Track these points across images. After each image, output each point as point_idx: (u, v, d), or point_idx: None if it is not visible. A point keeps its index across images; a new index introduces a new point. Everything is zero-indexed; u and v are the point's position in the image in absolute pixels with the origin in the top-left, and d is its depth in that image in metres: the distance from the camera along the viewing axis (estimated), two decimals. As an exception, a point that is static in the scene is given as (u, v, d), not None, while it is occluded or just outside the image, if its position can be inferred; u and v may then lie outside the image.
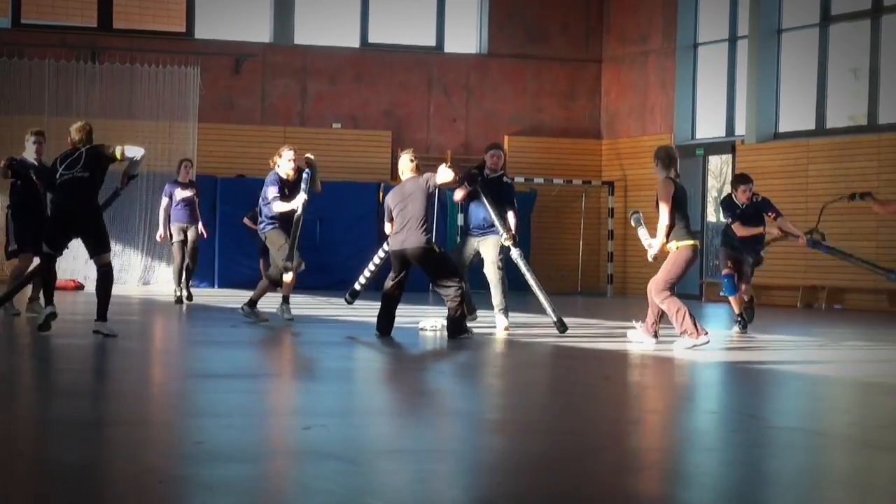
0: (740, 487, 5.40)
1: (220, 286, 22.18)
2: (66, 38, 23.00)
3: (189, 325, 14.66)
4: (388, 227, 12.45)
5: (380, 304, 12.28)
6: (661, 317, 11.81)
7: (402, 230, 12.06)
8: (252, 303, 13.52)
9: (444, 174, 12.09)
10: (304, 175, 13.75)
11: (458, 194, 13.48)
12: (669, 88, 23.84)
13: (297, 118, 23.97)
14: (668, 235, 11.65)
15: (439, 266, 12.09)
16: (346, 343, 12.00)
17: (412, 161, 12.44)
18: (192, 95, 22.93)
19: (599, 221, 24.90)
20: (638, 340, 11.93)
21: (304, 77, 24.03)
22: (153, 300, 17.99)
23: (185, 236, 17.61)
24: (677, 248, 11.61)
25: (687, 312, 11.47)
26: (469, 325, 12.60)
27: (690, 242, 11.67)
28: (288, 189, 13.71)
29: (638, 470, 5.71)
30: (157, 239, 18.62)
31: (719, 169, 28.33)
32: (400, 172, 12.59)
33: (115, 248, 22.36)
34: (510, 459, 5.91)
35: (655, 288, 11.62)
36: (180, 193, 17.61)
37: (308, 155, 14.06)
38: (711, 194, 24.72)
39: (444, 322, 12.89)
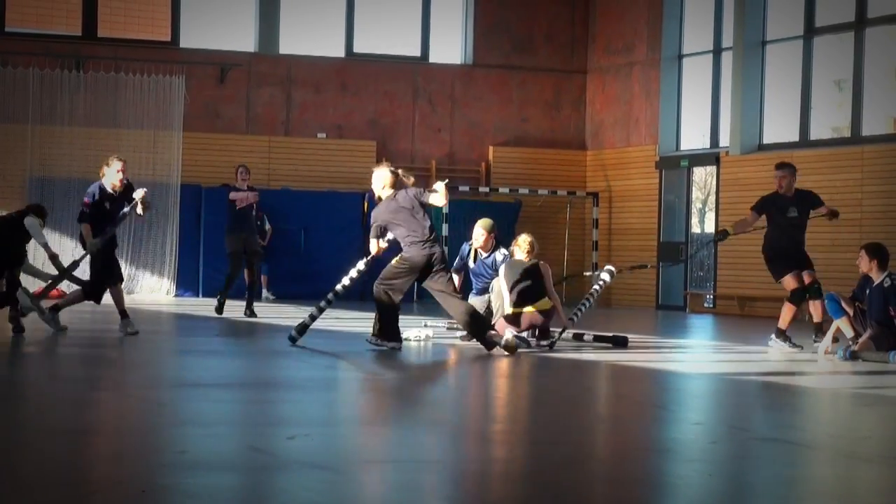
0: (723, 498, 5.40)
1: (205, 295, 22.14)
2: (51, 46, 22.97)
3: (172, 334, 14.64)
4: (375, 245, 12.21)
5: (386, 314, 11.83)
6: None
7: (428, 240, 11.80)
8: (57, 308, 13.11)
9: (437, 199, 11.92)
10: (125, 211, 13.09)
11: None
12: (654, 99, 23.89)
13: (281, 127, 23.96)
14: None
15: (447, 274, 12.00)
16: (329, 352, 11.99)
17: (393, 173, 12.14)
18: (177, 104, 22.91)
19: (584, 232, 24.93)
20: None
21: (289, 86, 24.03)
22: (137, 310, 17.93)
23: (243, 249, 16.50)
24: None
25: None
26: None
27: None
28: (109, 203, 13.08)
29: (620, 480, 5.71)
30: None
31: (703, 180, 28.41)
32: (381, 187, 12.06)
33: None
34: (493, 469, 5.92)
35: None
36: (243, 202, 16.67)
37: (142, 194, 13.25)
38: (696, 206, 24.77)
39: (430, 333, 13.01)
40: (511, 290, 12.76)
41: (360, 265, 12.57)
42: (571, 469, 5.91)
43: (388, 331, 11.83)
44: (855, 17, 20.67)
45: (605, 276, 13.49)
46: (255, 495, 5.15)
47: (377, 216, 12.04)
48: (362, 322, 16.16)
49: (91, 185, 13.34)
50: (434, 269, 11.83)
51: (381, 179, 12.06)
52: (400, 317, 11.91)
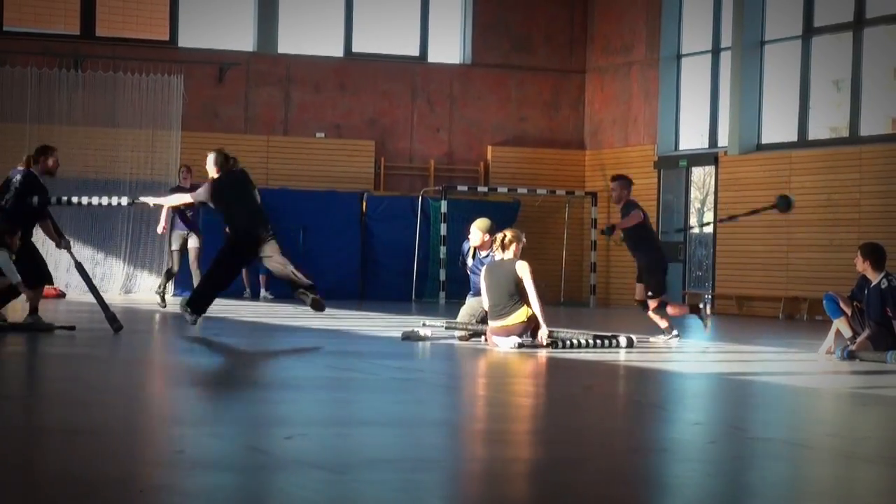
0: (721, 498, 5.40)
1: (203, 295, 22.11)
2: (49, 45, 22.95)
3: (170, 333, 14.63)
4: (171, 202, 14.49)
5: (210, 288, 13.06)
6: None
7: (254, 217, 13.08)
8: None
9: None
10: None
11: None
12: (653, 99, 23.89)
13: (280, 127, 23.96)
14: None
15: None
16: (327, 352, 11.98)
17: (224, 156, 13.39)
18: (175, 104, 22.90)
19: (582, 232, 24.93)
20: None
21: (288, 86, 24.02)
22: (135, 309, 17.93)
23: (185, 245, 17.41)
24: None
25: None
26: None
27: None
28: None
29: (619, 480, 5.71)
30: (158, 231, 18.22)
31: (702, 180, 28.42)
32: (216, 170, 13.28)
33: (97, 256, 22.38)
34: (492, 469, 5.91)
35: None
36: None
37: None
38: (694, 205, 24.76)
39: (428, 333, 12.95)
40: (488, 300, 12.29)
41: (145, 200, 14.79)
42: (569, 468, 5.91)
43: (201, 303, 12.88)
44: (853, 18, 20.67)
45: (623, 341, 12.63)
46: (252, 495, 5.14)
47: (201, 194, 13.33)
48: (361, 321, 16.16)
49: (19, 176, 13.23)
50: (265, 244, 13.02)
51: (212, 162, 13.33)
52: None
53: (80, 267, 13.59)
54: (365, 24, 24.59)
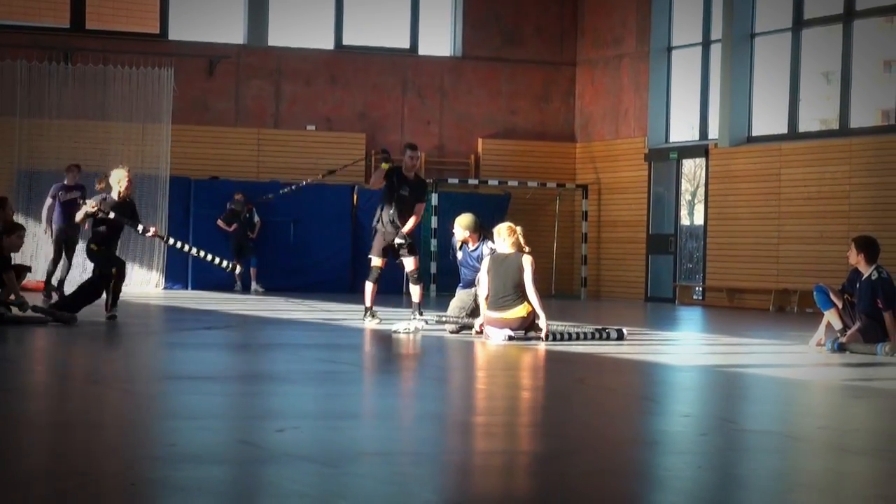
0: (712, 491, 5.41)
1: (194, 288, 22.14)
2: (39, 38, 22.90)
3: (161, 327, 14.62)
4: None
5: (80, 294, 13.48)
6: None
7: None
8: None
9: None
10: None
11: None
12: (643, 92, 23.90)
13: (270, 120, 23.93)
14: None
15: None
16: (319, 345, 11.99)
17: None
18: (165, 97, 22.86)
19: (573, 224, 24.93)
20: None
21: (279, 79, 24.00)
22: (126, 302, 17.89)
23: (68, 239, 17.95)
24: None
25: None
26: None
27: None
28: None
29: (610, 472, 5.72)
30: (44, 233, 19.15)
31: (693, 172, 28.44)
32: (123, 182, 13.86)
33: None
34: (483, 462, 5.92)
35: None
36: (64, 196, 18.12)
37: None
38: (685, 198, 24.75)
39: (418, 326, 12.94)
40: (489, 292, 12.26)
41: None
42: (560, 461, 5.92)
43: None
44: (843, 10, 20.68)
45: (613, 334, 12.70)
46: (243, 488, 5.14)
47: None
48: (352, 314, 16.15)
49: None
50: None
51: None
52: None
53: (43, 311, 13.57)
54: (355, 17, 24.57)
